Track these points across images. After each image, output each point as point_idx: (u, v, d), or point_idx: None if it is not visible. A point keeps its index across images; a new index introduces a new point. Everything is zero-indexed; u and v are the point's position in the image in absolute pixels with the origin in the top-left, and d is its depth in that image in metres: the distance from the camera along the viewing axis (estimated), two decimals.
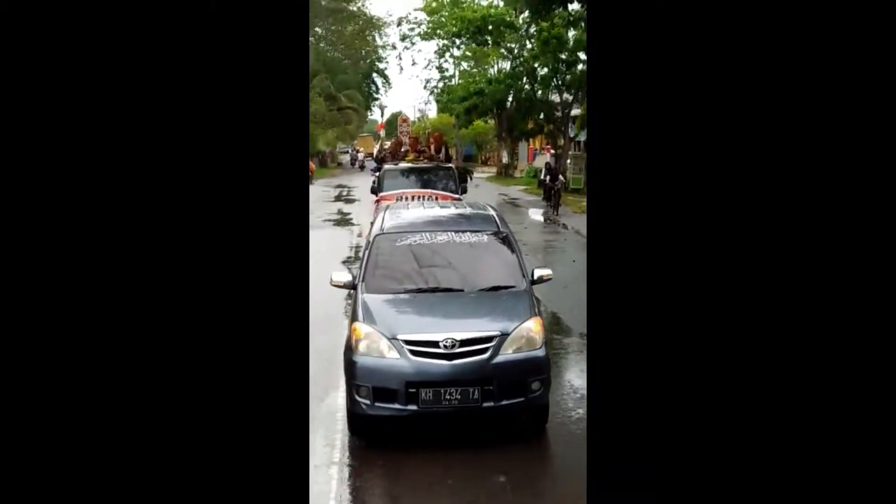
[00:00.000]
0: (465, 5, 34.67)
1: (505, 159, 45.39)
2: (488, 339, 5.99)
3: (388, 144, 23.03)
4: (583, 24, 18.44)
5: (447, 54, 39.25)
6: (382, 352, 6.00)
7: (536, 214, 23.49)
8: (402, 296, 6.66)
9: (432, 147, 16.50)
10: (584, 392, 7.24)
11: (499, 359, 5.95)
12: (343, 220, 21.87)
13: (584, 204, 23.39)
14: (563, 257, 15.18)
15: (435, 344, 5.90)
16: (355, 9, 57.36)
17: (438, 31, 37.13)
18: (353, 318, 6.42)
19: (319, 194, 29.60)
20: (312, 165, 46.89)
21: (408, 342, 5.95)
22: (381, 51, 60.06)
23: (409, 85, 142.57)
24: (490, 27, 32.10)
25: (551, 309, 10.09)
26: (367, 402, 5.97)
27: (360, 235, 17.01)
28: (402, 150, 17.84)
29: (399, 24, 43.70)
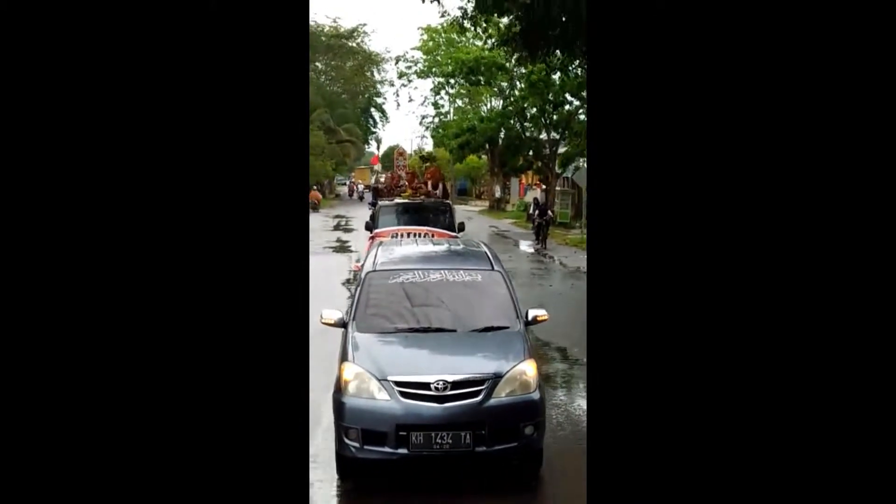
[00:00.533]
0: (459, 46, 35.07)
1: (498, 193, 45.85)
2: (481, 382, 5.67)
3: (383, 178, 22.82)
4: (568, 70, 18.50)
5: (442, 91, 39.69)
6: (372, 393, 5.69)
7: (525, 246, 23.78)
8: (393, 335, 6.31)
9: (429, 183, 15.94)
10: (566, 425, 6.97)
11: (491, 402, 5.63)
12: (342, 248, 22.41)
13: (569, 236, 25.58)
14: (544, 283, 16.66)
15: (426, 386, 5.57)
16: (354, 45, 57.89)
17: (434, 70, 37.49)
18: (343, 358, 6.07)
19: (320, 223, 30.20)
20: (318, 195, 47.20)
21: (398, 383, 5.63)
22: (378, 86, 60.67)
23: (406, 119, 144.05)
24: (482, 68, 32.44)
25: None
26: (357, 444, 5.64)
27: (357, 261, 16.67)
28: (400, 184, 17.27)
29: (397, 62, 44.16)
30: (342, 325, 6.47)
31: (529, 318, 6.59)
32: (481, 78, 33.33)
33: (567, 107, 29.40)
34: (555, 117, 31.61)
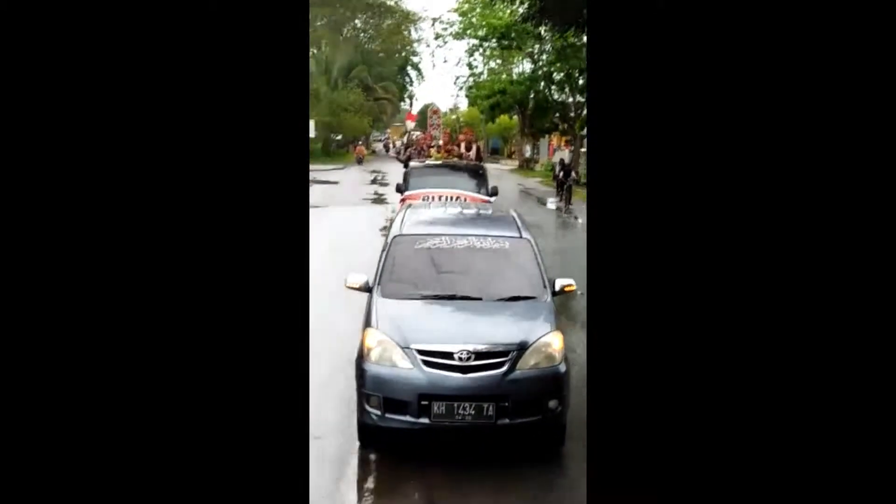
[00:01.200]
0: (494, 9, 33.97)
1: (527, 153, 45.49)
2: (505, 353, 5.37)
3: (416, 136, 21.99)
4: None
5: (476, 53, 39.29)
6: (395, 361, 5.41)
7: (550, 204, 23.49)
8: (417, 302, 5.98)
9: (462, 145, 15.02)
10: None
11: (515, 374, 5.33)
12: (378, 200, 22.87)
13: None
14: (559, 234, 17.60)
15: (449, 355, 5.29)
16: (393, 4, 57.20)
17: (469, 32, 37.06)
18: (367, 324, 5.78)
19: (360, 177, 31.20)
20: (363, 149, 47.43)
21: (422, 352, 5.35)
22: (416, 45, 60.03)
23: (442, 78, 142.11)
24: (513, 34, 32.11)
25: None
26: (378, 412, 5.40)
27: (393, 212, 16.67)
28: (433, 144, 16.30)
29: (433, 24, 43.64)
30: (367, 289, 6.17)
31: (557, 287, 6.24)
32: (513, 42, 33.07)
33: None
34: (580, 81, 31.46)
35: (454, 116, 48.94)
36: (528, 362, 5.39)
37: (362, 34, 58.42)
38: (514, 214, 7.25)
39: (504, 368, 5.31)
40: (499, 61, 42.17)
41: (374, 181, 30.08)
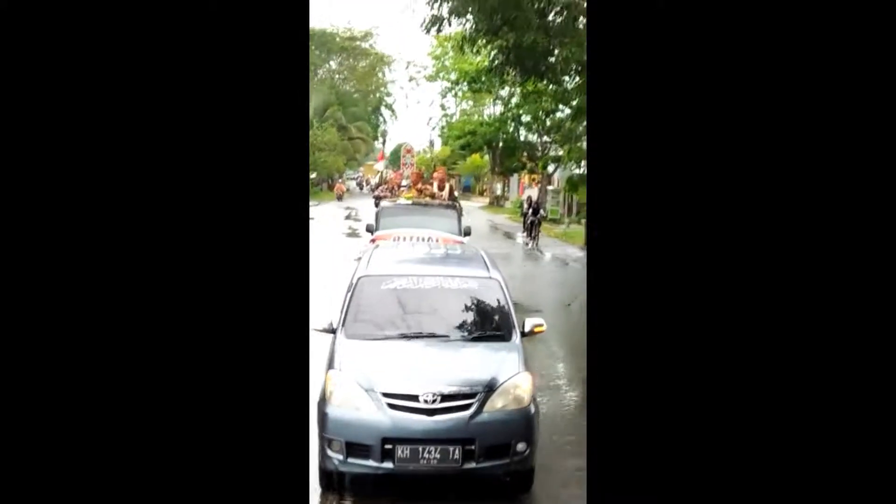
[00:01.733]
0: (465, 54, 34.54)
1: (498, 191, 45.75)
2: (472, 395, 5.06)
3: (390, 176, 21.37)
4: (561, 82, 18.44)
5: (449, 94, 39.64)
6: (357, 404, 5.09)
7: (518, 239, 24.32)
8: (382, 343, 5.66)
9: (435, 184, 13.91)
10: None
11: (482, 416, 5.03)
12: (353, 234, 23.31)
13: (555, 230, 26.67)
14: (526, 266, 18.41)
15: (414, 398, 4.99)
16: (367, 46, 57.57)
17: (441, 74, 37.41)
18: (329, 365, 5.45)
19: (333, 212, 32.68)
20: (343, 187, 47.63)
21: (386, 394, 5.04)
22: (389, 86, 60.43)
23: (416, 118, 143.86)
24: (483, 77, 32.30)
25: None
26: (340, 457, 5.06)
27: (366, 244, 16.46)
28: (402, 184, 15.11)
29: (407, 66, 44.07)
30: (331, 330, 5.82)
31: (526, 328, 5.95)
32: (483, 85, 33.45)
33: (559, 114, 29.15)
34: (547, 123, 32.11)
35: (429, 155, 49.48)
36: (496, 404, 5.10)
37: (337, 75, 59.06)
38: (483, 253, 7.00)
39: (471, 411, 5.01)
40: (470, 103, 42.70)
41: (348, 216, 30.85)
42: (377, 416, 4.97)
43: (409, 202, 13.06)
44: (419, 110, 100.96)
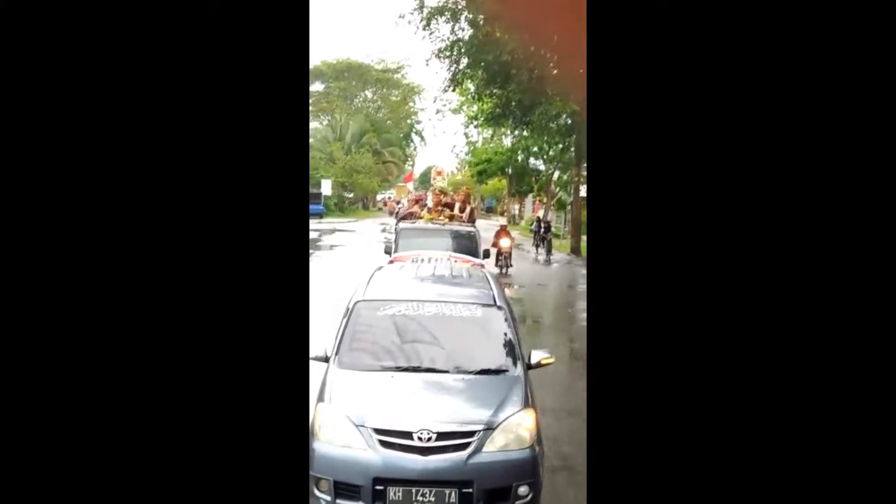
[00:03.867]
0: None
1: (515, 211, 51.78)
2: (470, 433, 4.64)
3: (411, 196, 20.82)
4: (559, 119, 22.01)
5: (470, 125, 45.85)
6: (348, 441, 4.66)
7: (525, 250, 26.91)
8: (377, 374, 5.19)
9: (456, 206, 13.66)
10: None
11: (481, 457, 4.61)
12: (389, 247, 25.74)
13: (564, 242, 29.34)
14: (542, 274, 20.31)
15: (408, 435, 4.59)
16: (399, 77, 64.20)
17: (464, 108, 43.67)
18: (319, 398, 5.00)
19: (369, 227, 35.07)
20: (394, 204, 51.99)
21: (377, 431, 4.63)
22: (419, 114, 66.30)
23: (442, 145, 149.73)
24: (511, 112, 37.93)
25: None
26: (328, 497, 4.66)
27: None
28: (423, 204, 14.74)
29: (434, 100, 50.00)
30: (324, 359, 5.41)
31: (532, 361, 5.54)
32: (499, 119, 39.39)
33: (560, 145, 31.93)
34: (551, 153, 34.85)
35: (459, 177, 53.55)
36: (497, 444, 4.66)
37: (371, 104, 62.23)
38: (490, 278, 6.51)
39: (469, 450, 4.59)
40: (489, 132, 48.87)
41: (383, 230, 32.49)
42: (368, 455, 4.56)
43: (429, 225, 12.75)
44: (445, 139, 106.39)
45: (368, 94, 62.55)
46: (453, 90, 20.32)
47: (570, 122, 21.57)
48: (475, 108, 38.59)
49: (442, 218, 13.22)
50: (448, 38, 20.18)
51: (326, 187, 45.88)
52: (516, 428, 4.77)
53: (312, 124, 61.70)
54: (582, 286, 19.44)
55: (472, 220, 13.70)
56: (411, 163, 67.26)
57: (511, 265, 19.26)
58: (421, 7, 19.54)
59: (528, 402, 4.97)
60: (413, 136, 66.75)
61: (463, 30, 19.88)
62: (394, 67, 61.81)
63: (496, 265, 18.69)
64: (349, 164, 52.38)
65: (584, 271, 23.64)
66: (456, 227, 12.80)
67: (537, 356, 5.57)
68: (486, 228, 18.31)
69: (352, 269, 13.09)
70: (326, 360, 5.39)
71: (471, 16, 18.55)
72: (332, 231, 33.10)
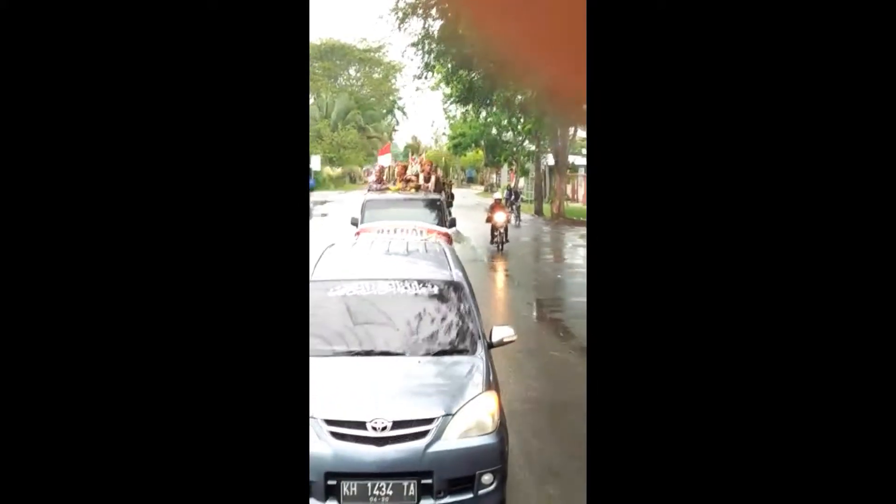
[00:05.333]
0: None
1: (493, 180, 56.25)
2: (428, 420, 4.25)
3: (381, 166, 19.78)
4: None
5: (448, 101, 49.87)
6: None
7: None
8: (327, 360, 4.69)
9: (421, 175, 13.42)
10: None
11: (440, 445, 4.23)
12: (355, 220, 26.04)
13: (528, 205, 32.62)
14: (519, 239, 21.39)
15: (361, 425, 4.19)
16: (380, 56, 68.03)
17: (441, 87, 47.68)
18: None
19: (355, 198, 38.42)
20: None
21: (328, 422, 4.21)
22: (401, 90, 70.17)
23: (423, 118, 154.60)
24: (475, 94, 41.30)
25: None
26: None
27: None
28: (386, 176, 14.41)
29: (414, 79, 53.65)
30: None
31: (494, 339, 5.15)
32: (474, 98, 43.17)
33: (522, 119, 34.50)
34: (519, 126, 37.04)
35: (435, 150, 55.04)
36: (457, 430, 4.30)
37: (355, 83, 63.62)
38: (447, 250, 6.08)
39: (427, 439, 4.23)
40: (465, 109, 52.99)
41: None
42: (318, 448, 4.19)
43: (395, 195, 12.55)
44: (425, 114, 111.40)
45: (352, 72, 65.44)
46: (425, 78, 24.28)
47: (523, 100, 25.76)
48: (449, 89, 42.73)
49: (409, 188, 13.02)
50: (419, 33, 24.20)
51: (315, 162, 49.67)
52: (478, 412, 4.45)
53: None
54: (545, 238, 24.12)
55: (438, 189, 13.30)
56: (391, 138, 71.37)
57: (507, 240, 18.46)
58: (396, 8, 23.54)
59: (489, 385, 4.63)
60: (395, 111, 70.62)
61: (431, 26, 23.79)
62: (375, 47, 65.10)
63: (492, 241, 18.38)
64: (336, 141, 55.93)
65: (546, 227, 27.52)
66: (421, 196, 12.58)
67: (499, 334, 5.21)
68: (462, 196, 19.80)
69: (338, 232, 13.26)
70: None
71: (437, 14, 22.67)
72: (323, 202, 35.22)
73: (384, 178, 14.12)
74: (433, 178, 13.58)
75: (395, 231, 10.98)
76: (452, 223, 12.68)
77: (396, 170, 14.33)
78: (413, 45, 23.78)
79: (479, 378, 4.70)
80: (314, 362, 4.57)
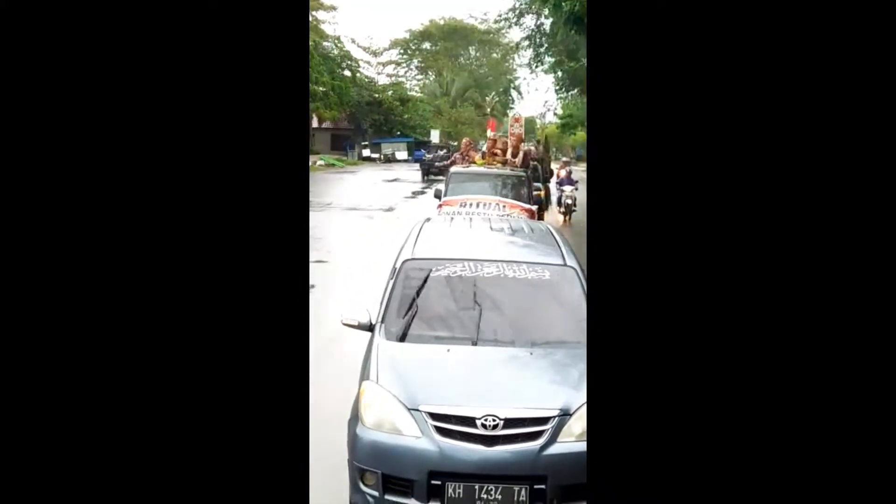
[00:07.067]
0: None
1: None
2: (544, 420, 3.75)
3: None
4: None
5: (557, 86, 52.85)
6: (398, 426, 3.77)
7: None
8: (431, 347, 4.23)
9: (509, 151, 12.82)
10: None
11: (557, 448, 3.74)
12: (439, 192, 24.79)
13: None
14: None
15: (470, 421, 3.72)
16: (498, 37, 72.55)
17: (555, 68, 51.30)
18: (364, 375, 4.06)
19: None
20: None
21: (434, 416, 3.75)
22: (517, 70, 74.00)
23: (538, 98, 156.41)
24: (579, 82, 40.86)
25: None
26: (375, 493, 3.78)
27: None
28: (476, 149, 13.65)
29: (529, 62, 57.46)
30: (368, 328, 4.47)
31: None
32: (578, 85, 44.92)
33: None
34: None
35: (537, 126, 56.53)
36: (574, 431, 3.76)
37: (474, 62, 65.87)
38: (555, 233, 5.50)
39: (542, 440, 3.75)
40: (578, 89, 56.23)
41: None
42: (423, 444, 3.75)
43: (480, 169, 11.99)
44: (538, 95, 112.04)
45: (472, 51, 70.32)
46: (536, 67, 28.33)
47: None
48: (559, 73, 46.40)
49: (495, 162, 12.46)
50: (531, 28, 28.47)
51: (435, 136, 53.87)
52: None
53: (423, 80, 66.67)
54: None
55: (525, 164, 12.75)
56: (506, 114, 75.30)
57: (575, 209, 17.36)
58: (513, 8, 27.78)
59: None
60: (511, 90, 74.90)
61: (543, 24, 27.97)
62: (495, 28, 69.97)
63: (559, 211, 17.90)
64: (454, 117, 58.38)
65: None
66: (507, 171, 12.08)
67: None
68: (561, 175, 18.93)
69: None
70: (371, 328, 4.43)
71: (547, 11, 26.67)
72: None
73: (472, 151, 13.34)
74: (521, 153, 12.89)
75: (476, 205, 10.73)
76: (537, 201, 11.92)
77: (486, 144, 13.34)
78: (527, 38, 28.07)
79: None
80: (417, 349, 4.23)
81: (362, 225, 17.34)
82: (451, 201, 11.09)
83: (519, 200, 11.30)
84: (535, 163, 15.26)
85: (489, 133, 14.34)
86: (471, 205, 10.90)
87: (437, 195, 12.25)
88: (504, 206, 10.90)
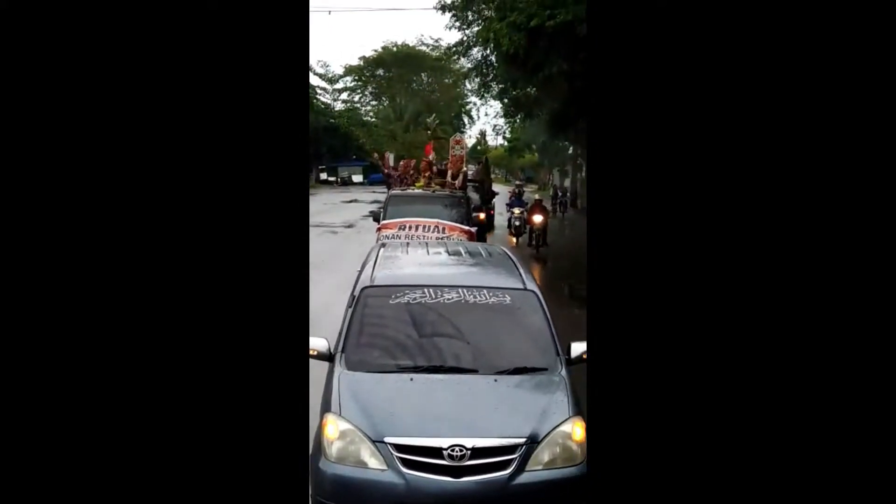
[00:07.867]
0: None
1: (548, 180, 57.92)
2: (511, 449, 3.76)
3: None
4: None
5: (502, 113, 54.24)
6: (363, 459, 3.73)
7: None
8: (394, 376, 4.16)
9: (449, 173, 12.66)
10: None
11: (525, 477, 3.77)
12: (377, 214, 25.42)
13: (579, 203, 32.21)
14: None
15: (437, 452, 3.71)
16: (450, 63, 75.36)
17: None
18: (325, 407, 3.95)
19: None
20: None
21: (399, 447, 3.73)
22: (468, 96, 75.64)
23: (487, 122, 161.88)
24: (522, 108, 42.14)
25: None
26: None
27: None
28: (409, 172, 13.00)
29: (479, 88, 60.07)
30: (328, 357, 4.32)
31: (573, 355, 4.36)
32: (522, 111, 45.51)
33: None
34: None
35: (479, 148, 56.84)
36: (542, 459, 3.80)
37: (427, 87, 67.21)
38: (512, 257, 5.45)
39: (510, 470, 3.76)
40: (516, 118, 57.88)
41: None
42: (388, 477, 3.73)
43: (419, 191, 11.84)
44: (488, 119, 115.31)
45: (424, 77, 68.55)
46: (483, 95, 30.71)
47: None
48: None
49: (432, 185, 12.32)
50: (478, 59, 30.63)
51: (389, 161, 57.68)
52: (565, 440, 3.84)
53: (377, 105, 67.75)
54: (579, 226, 22.66)
55: (463, 187, 12.66)
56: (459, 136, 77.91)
57: (545, 244, 16.98)
58: (460, 43, 30.02)
59: (575, 407, 3.94)
60: (462, 115, 75.28)
61: (489, 55, 30.08)
62: (446, 56, 72.88)
63: (529, 244, 17.80)
64: (408, 141, 59.06)
65: (583, 220, 31.01)
66: (445, 193, 11.95)
67: (578, 349, 4.34)
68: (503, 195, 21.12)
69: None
70: (330, 358, 4.28)
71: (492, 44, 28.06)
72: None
73: (409, 174, 13.13)
74: (461, 176, 12.61)
75: (415, 227, 10.63)
76: (475, 223, 11.76)
77: (422, 166, 12.91)
78: (474, 68, 30.51)
79: (562, 399, 4.04)
80: (379, 379, 4.15)
81: (330, 238, 19.41)
82: (390, 224, 10.92)
83: (458, 222, 11.23)
84: (476, 184, 14.90)
85: (428, 156, 14.66)
86: (410, 227, 10.83)
87: (376, 218, 11.99)
88: (443, 229, 10.77)
